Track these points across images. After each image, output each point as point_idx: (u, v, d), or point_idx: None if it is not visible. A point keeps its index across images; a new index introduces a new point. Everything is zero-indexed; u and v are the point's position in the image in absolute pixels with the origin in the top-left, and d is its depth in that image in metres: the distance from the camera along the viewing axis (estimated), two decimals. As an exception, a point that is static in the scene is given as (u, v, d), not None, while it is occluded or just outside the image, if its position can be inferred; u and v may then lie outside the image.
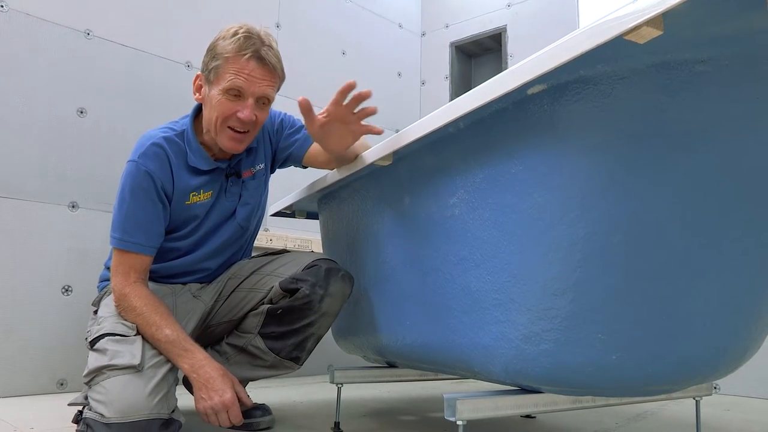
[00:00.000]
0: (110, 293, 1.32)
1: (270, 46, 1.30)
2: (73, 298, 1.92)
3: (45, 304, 1.87)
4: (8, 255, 1.82)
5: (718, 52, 0.81)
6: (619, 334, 0.88)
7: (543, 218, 0.90)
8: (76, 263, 1.94)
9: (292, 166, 1.59)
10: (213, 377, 1.19)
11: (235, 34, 1.28)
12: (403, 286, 1.23)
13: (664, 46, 0.76)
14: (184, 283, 1.43)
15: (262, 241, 2.30)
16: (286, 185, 2.07)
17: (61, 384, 1.87)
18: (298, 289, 1.30)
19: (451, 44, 3.24)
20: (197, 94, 1.36)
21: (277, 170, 1.60)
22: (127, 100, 2.12)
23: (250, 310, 1.38)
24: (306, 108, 1.22)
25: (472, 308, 1.02)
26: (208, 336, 1.43)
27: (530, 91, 0.90)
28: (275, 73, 1.32)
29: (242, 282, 1.43)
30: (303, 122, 1.55)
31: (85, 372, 1.17)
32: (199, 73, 1.36)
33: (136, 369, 1.14)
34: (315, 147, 1.48)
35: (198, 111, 1.40)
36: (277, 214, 1.83)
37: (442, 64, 3.26)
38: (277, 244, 2.36)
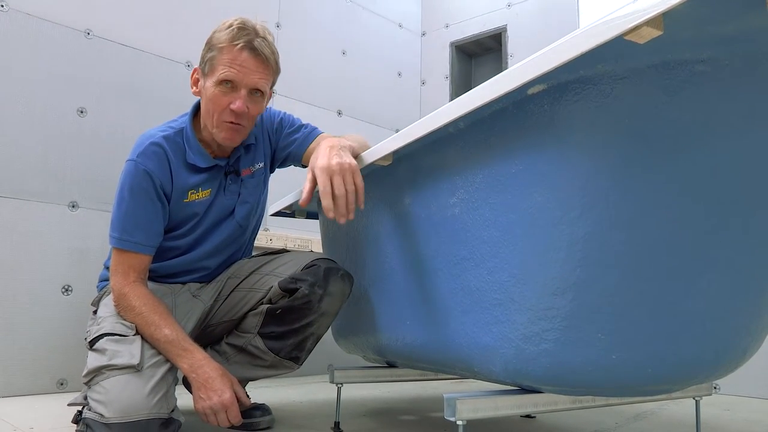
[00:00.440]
0: (109, 293, 1.32)
1: (264, 38, 1.30)
2: (73, 298, 1.92)
3: (45, 304, 1.87)
4: (8, 255, 1.82)
5: (718, 52, 0.81)
6: (619, 333, 0.88)
7: (543, 218, 0.89)
8: (76, 263, 1.94)
9: (292, 166, 1.59)
10: (212, 377, 1.19)
11: (230, 25, 1.28)
12: (403, 286, 1.23)
13: (664, 46, 0.76)
14: (184, 283, 1.43)
15: (262, 241, 2.30)
16: (287, 185, 2.07)
17: (61, 384, 1.87)
18: (297, 289, 1.30)
19: (452, 44, 3.24)
20: (194, 88, 1.37)
21: (278, 170, 1.60)
22: (127, 100, 2.12)
23: (250, 310, 1.38)
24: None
25: (472, 308, 1.02)
26: (207, 336, 1.43)
27: (530, 91, 0.90)
28: (268, 65, 1.31)
29: (241, 282, 1.42)
30: (303, 121, 1.55)
31: (85, 372, 1.17)
32: (196, 67, 1.36)
33: (135, 369, 1.14)
34: (314, 146, 1.48)
35: (197, 109, 1.40)
36: (277, 213, 1.83)
37: (443, 63, 3.26)
38: (277, 244, 2.36)
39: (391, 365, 1.53)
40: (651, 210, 0.86)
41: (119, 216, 1.28)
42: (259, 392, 1.90)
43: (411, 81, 3.32)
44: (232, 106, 1.28)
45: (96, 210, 2.01)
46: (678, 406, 1.82)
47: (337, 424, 1.41)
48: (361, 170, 1.28)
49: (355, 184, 1.17)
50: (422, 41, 3.40)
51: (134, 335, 1.21)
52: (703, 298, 0.90)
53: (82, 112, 2.01)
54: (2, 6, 1.87)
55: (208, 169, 1.37)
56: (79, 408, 1.27)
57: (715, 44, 0.80)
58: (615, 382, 0.94)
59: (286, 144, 1.52)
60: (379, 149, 1.20)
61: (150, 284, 1.34)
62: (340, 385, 1.43)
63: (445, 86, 3.23)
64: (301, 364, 1.37)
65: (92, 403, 1.13)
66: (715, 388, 2.16)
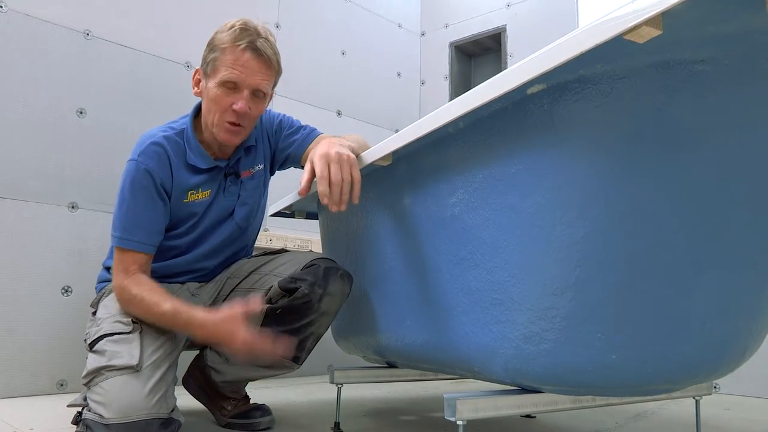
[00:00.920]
0: (108, 294, 1.32)
1: (266, 39, 1.30)
2: (73, 299, 1.92)
3: (45, 304, 1.87)
4: (8, 255, 1.82)
5: (718, 52, 0.81)
6: (619, 333, 0.88)
7: (543, 218, 0.89)
8: (76, 263, 1.94)
9: (292, 167, 1.59)
10: (220, 329, 1.16)
11: (233, 26, 1.28)
12: (403, 286, 1.23)
13: (663, 45, 0.76)
14: (183, 282, 1.43)
15: (262, 241, 2.30)
16: (287, 185, 2.07)
17: (61, 384, 1.87)
18: (297, 289, 1.30)
19: (451, 44, 3.24)
20: (196, 89, 1.37)
21: (278, 171, 1.59)
22: (127, 101, 2.12)
23: (250, 310, 1.38)
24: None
25: (472, 308, 1.02)
26: (207, 336, 1.43)
27: (530, 91, 0.90)
28: (271, 66, 1.32)
29: (241, 281, 1.42)
30: (302, 122, 1.55)
31: (84, 373, 1.17)
32: (198, 67, 1.36)
33: (134, 369, 1.14)
34: (314, 146, 1.48)
35: (198, 110, 1.40)
36: (277, 214, 1.83)
37: (442, 63, 3.26)
38: (277, 244, 2.36)
39: (391, 365, 1.53)
40: (651, 210, 0.86)
41: (120, 215, 1.28)
42: (259, 392, 1.90)
43: (410, 81, 3.32)
44: (235, 107, 1.28)
45: (96, 211, 2.00)
46: (678, 406, 1.82)
47: (337, 425, 1.41)
48: (360, 170, 1.28)
49: (351, 175, 1.18)
50: (422, 41, 3.40)
51: (133, 331, 1.21)
52: (703, 297, 0.90)
53: (81, 113, 2.01)
54: (1, 7, 1.87)
55: (208, 170, 1.37)
56: (79, 409, 1.27)
57: (715, 44, 0.80)
58: (615, 382, 0.94)
59: (285, 145, 1.52)
60: (379, 149, 1.20)
61: (150, 283, 1.33)
62: (340, 386, 1.43)
63: (445, 86, 3.23)
64: (301, 364, 1.37)
65: (92, 404, 1.13)
66: (715, 387, 2.16)
